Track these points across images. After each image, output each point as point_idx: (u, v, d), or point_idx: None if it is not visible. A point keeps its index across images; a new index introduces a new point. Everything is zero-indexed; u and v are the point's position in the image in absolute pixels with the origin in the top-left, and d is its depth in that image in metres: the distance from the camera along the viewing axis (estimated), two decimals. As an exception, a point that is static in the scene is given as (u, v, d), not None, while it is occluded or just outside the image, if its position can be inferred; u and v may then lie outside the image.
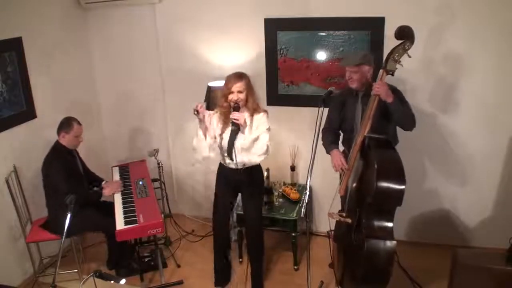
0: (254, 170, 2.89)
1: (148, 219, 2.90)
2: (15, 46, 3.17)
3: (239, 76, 2.70)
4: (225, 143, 2.76)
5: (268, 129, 2.75)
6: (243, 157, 2.74)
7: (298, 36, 3.39)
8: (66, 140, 3.09)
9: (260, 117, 2.73)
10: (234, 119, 2.61)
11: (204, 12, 3.56)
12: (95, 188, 3.38)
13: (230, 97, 2.69)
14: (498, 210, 3.35)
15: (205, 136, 2.78)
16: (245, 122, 2.64)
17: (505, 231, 2.86)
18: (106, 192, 3.24)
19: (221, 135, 2.77)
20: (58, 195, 2.97)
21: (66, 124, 3.09)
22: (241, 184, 2.91)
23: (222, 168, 2.95)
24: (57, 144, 3.11)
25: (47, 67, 3.50)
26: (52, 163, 3.04)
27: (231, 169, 2.85)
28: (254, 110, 2.74)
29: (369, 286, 2.51)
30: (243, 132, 2.68)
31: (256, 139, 2.68)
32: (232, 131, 2.68)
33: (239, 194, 3.05)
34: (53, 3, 3.54)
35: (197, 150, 2.84)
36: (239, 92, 2.67)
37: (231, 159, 2.72)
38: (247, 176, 2.85)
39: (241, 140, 2.69)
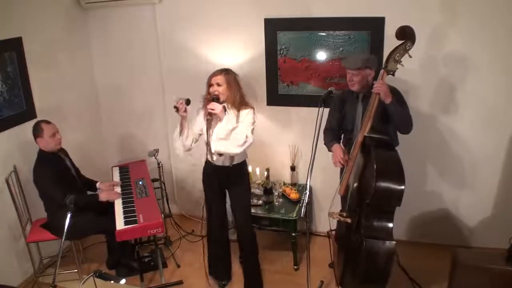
0: (238, 167, 2.88)
1: (148, 219, 2.90)
2: (15, 46, 3.17)
3: (220, 70, 2.77)
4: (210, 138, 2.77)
5: (252, 123, 2.76)
6: (219, 146, 2.74)
7: (298, 36, 3.39)
8: (44, 144, 3.01)
9: (246, 113, 2.76)
10: (211, 109, 2.65)
11: (204, 12, 3.56)
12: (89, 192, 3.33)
13: (210, 89, 2.75)
14: (498, 210, 3.35)
15: (180, 133, 2.81)
16: (221, 112, 2.68)
17: (505, 231, 2.86)
18: (102, 196, 3.16)
19: (207, 130, 2.75)
20: (54, 202, 2.96)
21: (35, 129, 3.01)
22: (227, 182, 2.91)
23: (207, 165, 2.93)
24: (40, 152, 3.04)
25: (47, 67, 3.50)
26: (40, 173, 2.98)
27: (216, 166, 2.84)
28: (240, 106, 2.76)
29: (368, 286, 2.51)
30: (220, 121, 2.71)
31: (233, 129, 2.69)
32: (207, 120, 2.71)
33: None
34: (53, 3, 3.54)
35: (174, 145, 2.88)
36: (218, 84, 2.72)
37: (210, 149, 2.76)
38: (231, 174, 2.85)
39: (218, 130, 2.73)
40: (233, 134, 2.69)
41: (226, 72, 2.76)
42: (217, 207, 3.00)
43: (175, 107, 2.71)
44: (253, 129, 2.77)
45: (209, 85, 2.76)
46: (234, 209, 3.00)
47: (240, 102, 2.76)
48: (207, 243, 3.16)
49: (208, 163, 2.91)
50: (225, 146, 2.73)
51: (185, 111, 2.75)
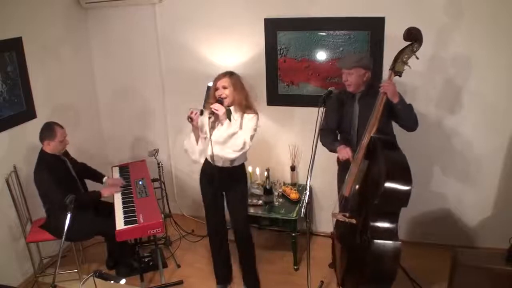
0: (238, 169, 2.87)
1: (148, 219, 2.89)
2: (15, 46, 3.17)
3: (225, 73, 2.75)
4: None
5: (254, 129, 2.76)
6: (217, 150, 2.74)
7: (298, 36, 3.39)
8: (51, 148, 2.98)
9: (250, 117, 2.74)
10: (214, 109, 2.63)
11: (204, 12, 3.56)
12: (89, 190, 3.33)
13: (217, 93, 2.73)
14: (498, 210, 3.35)
15: (197, 141, 2.80)
16: (224, 115, 2.65)
17: (505, 231, 2.87)
18: (105, 193, 3.19)
19: (209, 130, 2.74)
20: (54, 204, 2.95)
21: (48, 131, 2.96)
22: (224, 184, 2.88)
23: (206, 166, 2.90)
24: (42, 153, 3.00)
25: (47, 67, 3.50)
26: (41, 175, 2.94)
27: (216, 167, 2.82)
28: (245, 108, 2.74)
29: (375, 286, 2.49)
30: (221, 124, 2.69)
31: (233, 133, 2.68)
32: (209, 118, 2.68)
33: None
34: (53, 3, 3.54)
35: (188, 152, 2.86)
36: (223, 87, 2.71)
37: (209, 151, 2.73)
38: (230, 176, 2.85)
39: (217, 133, 2.71)
40: (233, 139, 2.68)
41: (230, 74, 2.75)
42: (215, 209, 2.98)
43: (190, 117, 2.69)
44: (252, 136, 2.76)
45: (215, 89, 2.74)
46: (231, 210, 2.98)
47: (246, 105, 2.74)
48: (210, 248, 3.12)
49: (207, 163, 2.88)
50: (222, 150, 2.74)
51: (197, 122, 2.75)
